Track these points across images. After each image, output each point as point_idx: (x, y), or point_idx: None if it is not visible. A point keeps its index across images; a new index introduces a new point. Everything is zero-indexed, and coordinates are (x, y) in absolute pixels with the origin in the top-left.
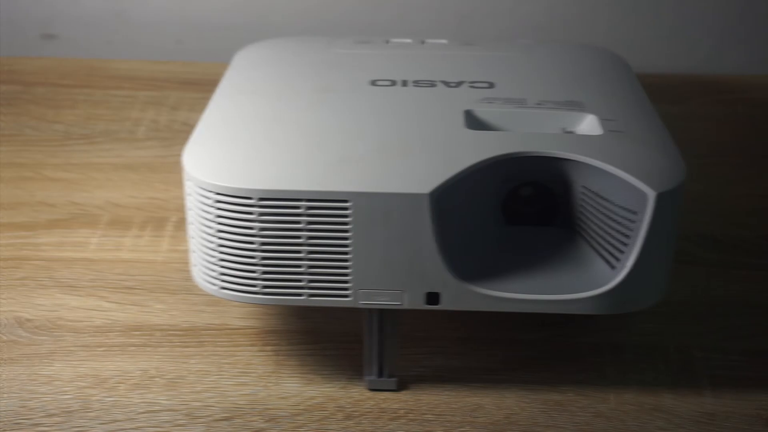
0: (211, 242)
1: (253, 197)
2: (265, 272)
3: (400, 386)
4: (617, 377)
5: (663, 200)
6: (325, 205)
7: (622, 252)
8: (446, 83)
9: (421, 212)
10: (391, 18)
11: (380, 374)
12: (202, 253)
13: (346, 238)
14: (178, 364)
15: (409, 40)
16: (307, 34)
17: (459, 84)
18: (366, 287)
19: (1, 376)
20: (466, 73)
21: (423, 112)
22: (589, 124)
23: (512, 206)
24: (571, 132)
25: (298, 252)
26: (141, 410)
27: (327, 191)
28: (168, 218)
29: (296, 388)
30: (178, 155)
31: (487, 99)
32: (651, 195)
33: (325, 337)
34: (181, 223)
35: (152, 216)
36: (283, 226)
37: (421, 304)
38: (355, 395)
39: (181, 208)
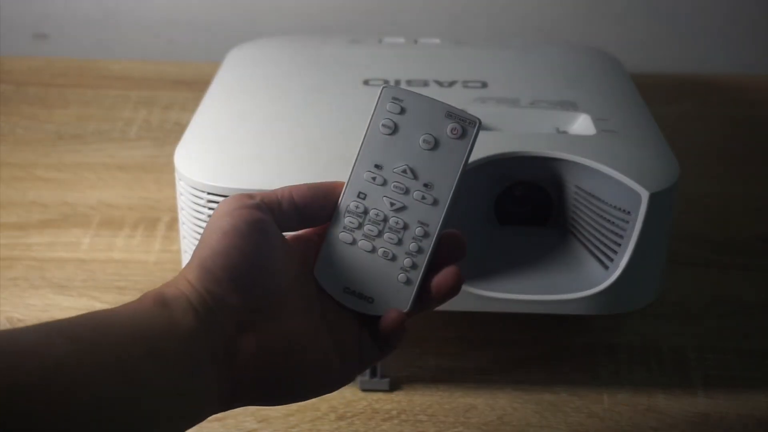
0: None
1: None
2: None
3: (393, 387)
4: (611, 377)
5: (656, 200)
6: None
7: (615, 252)
8: (439, 83)
9: None
10: (384, 17)
11: (373, 375)
12: None
13: None
14: None
15: (402, 40)
16: (299, 33)
17: (452, 84)
18: None
19: None
20: (459, 73)
21: None
22: (582, 124)
23: (505, 206)
24: (564, 132)
25: None
26: None
27: None
28: (160, 218)
29: None
30: (171, 155)
31: (480, 99)
32: (644, 195)
33: None
34: (173, 223)
35: (144, 216)
36: None
37: None
38: (348, 396)
39: (173, 208)
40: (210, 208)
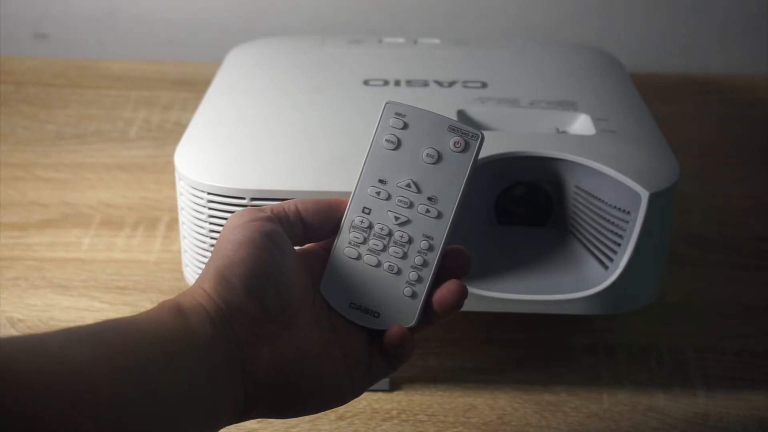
0: (204, 242)
1: (246, 197)
2: None
3: (393, 387)
4: (611, 378)
5: (656, 200)
6: None
7: (615, 252)
8: (439, 83)
9: None
10: (384, 17)
11: None
12: (195, 252)
13: None
14: None
15: (401, 40)
16: (299, 33)
17: (452, 84)
18: None
19: None
20: (459, 73)
21: None
22: (582, 124)
23: (505, 206)
24: (564, 132)
25: None
26: None
27: (319, 191)
28: (160, 218)
29: None
30: (171, 155)
31: (480, 99)
32: (644, 195)
33: None
34: (173, 223)
35: (144, 216)
36: None
37: None
38: None
39: (173, 208)
40: (210, 208)
